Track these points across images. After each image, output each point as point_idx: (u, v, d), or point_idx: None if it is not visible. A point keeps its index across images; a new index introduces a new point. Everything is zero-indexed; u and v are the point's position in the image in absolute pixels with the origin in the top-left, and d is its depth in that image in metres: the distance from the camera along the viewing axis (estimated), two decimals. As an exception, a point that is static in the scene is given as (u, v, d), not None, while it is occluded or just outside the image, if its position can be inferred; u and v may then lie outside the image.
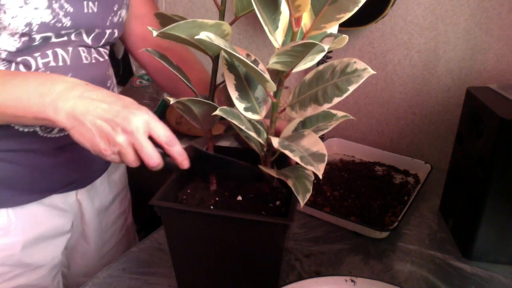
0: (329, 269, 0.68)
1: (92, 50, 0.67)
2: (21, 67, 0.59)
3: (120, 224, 0.87)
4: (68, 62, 0.63)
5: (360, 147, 1.04)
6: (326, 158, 0.44)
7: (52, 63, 0.61)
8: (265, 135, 0.54)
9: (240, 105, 0.51)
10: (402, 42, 1.02)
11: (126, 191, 0.90)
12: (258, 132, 0.53)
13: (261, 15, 0.45)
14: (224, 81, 0.53)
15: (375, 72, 0.45)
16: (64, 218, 0.74)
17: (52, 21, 0.57)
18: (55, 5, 0.57)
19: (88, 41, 0.66)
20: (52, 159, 0.66)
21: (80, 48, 0.65)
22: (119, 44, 1.52)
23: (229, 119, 0.47)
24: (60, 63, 0.62)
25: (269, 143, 0.53)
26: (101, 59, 0.70)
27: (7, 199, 0.65)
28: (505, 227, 0.67)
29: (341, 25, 0.46)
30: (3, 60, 0.58)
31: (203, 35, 0.41)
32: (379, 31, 1.04)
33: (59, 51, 0.62)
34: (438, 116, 1.04)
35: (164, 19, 0.55)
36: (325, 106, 0.47)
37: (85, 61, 0.66)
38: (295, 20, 0.44)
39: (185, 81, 0.54)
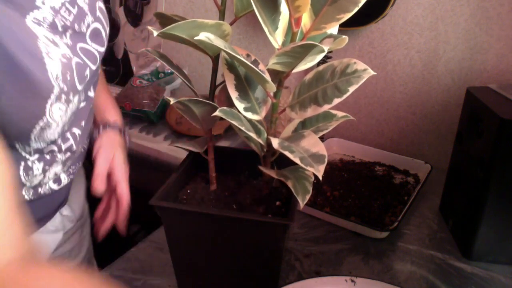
0: (329, 269, 0.68)
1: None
2: (47, 156, 0.58)
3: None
4: (81, 133, 0.64)
5: (360, 147, 1.04)
6: (326, 159, 0.44)
7: (74, 147, 0.62)
8: (265, 135, 0.54)
9: (240, 105, 0.51)
10: (402, 42, 1.02)
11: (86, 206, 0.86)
12: (258, 132, 0.53)
13: (260, 16, 0.45)
14: (224, 81, 0.53)
15: (375, 73, 0.45)
16: (55, 239, 0.72)
17: (77, 107, 0.58)
18: (82, 95, 0.58)
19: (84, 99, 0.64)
20: (59, 192, 0.67)
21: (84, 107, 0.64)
22: (119, 44, 1.52)
23: (229, 120, 0.47)
24: (77, 144, 0.63)
25: (269, 144, 0.53)
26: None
27: None
28: (505, 227, 0.67)
29: (341, 25, 0.46)
30: (28, 156, 0.56)
31: (203, 36, 0.41)
32: (379, 31, 1.04)
33: (75, 130, 0.62)
34: (438, 116, 1.04)
35: (164, 19, 0.55)
36: (325, 107, 0.47)
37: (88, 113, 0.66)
38: (295, 21, 0.44)
39: (185, 81, 0.54)
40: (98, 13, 0.60)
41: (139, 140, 1.17)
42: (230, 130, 1.12)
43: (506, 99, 0.68)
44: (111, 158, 0.71)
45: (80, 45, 0.56)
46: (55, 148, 0.59)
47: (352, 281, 0.57)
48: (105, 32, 0.62)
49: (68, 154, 0.62)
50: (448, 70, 0.99)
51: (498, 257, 0.70)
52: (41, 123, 0.51)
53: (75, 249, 0.81)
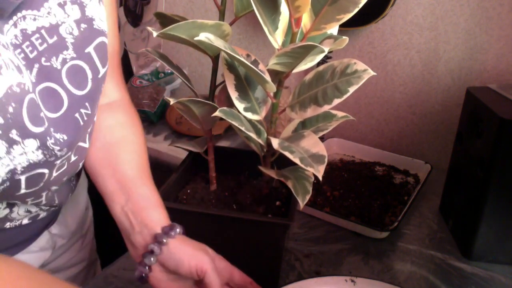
0: (329, 269, 0.68)
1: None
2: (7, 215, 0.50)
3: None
4: (62, 189, 0.56)
5: (360, 147, 1.04)
6: (326, 160, 0.44)
7: (43, 202, 0.54)
8: (265, 135, 0.54)
9: (240, 105, 0.51)
10: (402, 42, 1.02)
11: (88, 214, 0.80)
12: (258, 132, 0.53)
13: (260, 16, 0.45)
14: (224, 81, 0.53)
15: (375, 74, 0.45)
16: (43, 256, 0.67)
17: (44, 159, 0.47)
18: (50, 142, 0.46)
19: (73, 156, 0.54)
20: (21, 229, 0.59)
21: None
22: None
23: (229, 120, 0.47)
24: (55, 198, 0.56)
25: (269, 144, 0.53)
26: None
27: None
28: (505, 227, 0.67)
29: (341, 25, 0.46)
30: None
31: (203, 36, 0.41)
32: (379, 31, 1.04)
33: (53, 188, 0.53)
34: (438, 116, 1.04)
35: (164, 19, 0.55)
36: (325, 107, 0.47)
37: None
38: (295, 21, 0.44)
39: (185, 81, 0.54)
40: (90, 50, 0.49)
41: None
42: (230, 130, 1.12)
43: (506, 99, 0.68)
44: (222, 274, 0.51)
45: (45, 84, 0.46)
46: (20, 203, 0.51)
47: (352, 281, 0.57)
48: (93, 73, 0.50)
49: (34, 205, 0.54)
50: (448, 70, 0.99)
51: (498, 257, 0.70)
52: None
53: (77, 256, 0.77)
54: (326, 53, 0.43)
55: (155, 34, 0.44)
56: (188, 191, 0.62)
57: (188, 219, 0.55)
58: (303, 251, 0.71)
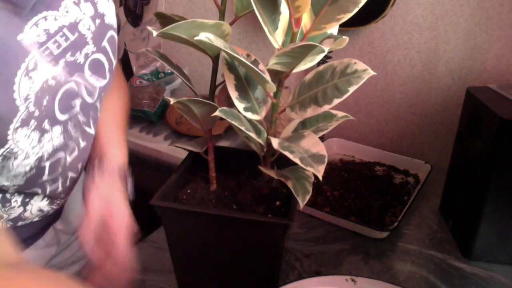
0: (329, 269, 0.68)
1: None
2: (29, 193, 0.53)
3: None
4: (78, 176, 0.59)
5: (360, 147, 1.04)
6: (326, 160, 0.44)
7: (60, 189, 0.56)
8: (265, 135, 0.54)
9: (240, 105, 0.51)
10: (402, 42, 1.02)
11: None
12: (258, 132, 0.53)
13: (260, 16, 0.45)
14: (224, 81, 0.53)
15: (375, 73, 0.45)
16: (49, 253, 0.69)
17: (64, 143, 0.51)
18: (70, 125, 0.50)
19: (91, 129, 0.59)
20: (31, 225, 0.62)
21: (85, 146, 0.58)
22: (119, 44, 1.52)
23: (229, 120, 0.47)
24: (68, 184, 0.58)
25: (269, 144, 0.53)
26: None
27: None
28: (505, 227, 0.67)
29: (341, 25, 0.46)
30: (7, 190, 0.50)
31: (203, 36, 0.41)
32: (379, 31, 1.04)
33: (70, 174, 0.56)
34: (438, 116, 1.04)
35: (164, 19, 0.55)
36: (325, 107, 0.47)
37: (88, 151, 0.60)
38: (295, 21, 0.44)
39: (185, 81, 0.54)
40: (105, 44, 0.54)
41: (139, 140, 1.17)
42: (230, 130, 1.12)
43: (506, 99, 0.68)
44: (105, 207, 0.57)
45: (77, 74, 0.51)
46: (38, 190, 0.53)
47: (353, 280, 0.57)
48: (109, 65, 0.56)
49: (53, 195, 0.57)
50: (448, 70, 0.99)
51: (498, 257, 0.70)
52: (1, 150, 0.43)
53: (77, 254, 0.78)
54: (326, 53, 0.43)
55: (155, 33, 0.44)
56: (188, 191, 0.62)
57: (188, 219, 0.55)
58: (303, 251, 0.71)
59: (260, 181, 0.64)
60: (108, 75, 0.56)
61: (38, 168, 0.49)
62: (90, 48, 0.51)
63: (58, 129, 0.49)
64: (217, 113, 0.47)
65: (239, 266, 0.57)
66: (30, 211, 0.56)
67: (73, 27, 0.48)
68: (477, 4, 0.91)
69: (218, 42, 0.42)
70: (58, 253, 0.73)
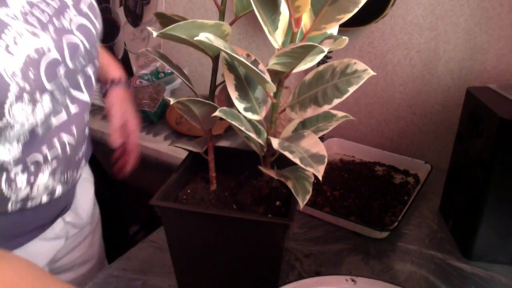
0: (329, 269, 0.68)
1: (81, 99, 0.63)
2: (32, 167, 0.56)
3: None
4: (75, 142, 0.61)
5: (360, 147, 1.04)
6: (326, 160, 0.44)
7: (61, 155, 0.59)
8: (265, 135, 0.54)
9: (240, 105, 0.51)
10: (402, 42, 1.02)
11: (96, 211, 0.86)
12: (258, 132, 0.53)
13: (260, 16, 0.45)
14: (224, 81, 0.53)
15: (375, 73, 0.45)
16: (56, 246, 0.72)
17: (52, 108, 0.54)
18: (56, 93, 0.53)
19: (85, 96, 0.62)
20: (53, 202, 0.65)
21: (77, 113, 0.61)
22: (119, 44, 1.52)
23: (229, 120, 0.47)
24: (69, 151, 0.61)
25: (269, 144, 0.53)
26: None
27: (8, 246, 0.62)
28: (505, 227, 0.67)
29: (341, 25, 0.46)
30: (10, 167, 0.53)
31: (203, 36, 0.41)
32: (379, 31, 1.04)
33: (65, 137, 0.59)
34: (438, 116, 1.04)
35: (164, 19, 0.55)
36: (325, 107, 0.47)
37: (85, 120, 0.64)
38: (295, 21, 0.44)
39: (185, 81, 0.54)
40: (83, 7, 0.58)
41: (139, 140, 1.17)
42: (230, 130, 1.12)
43: (506, 99, 0.68)
44: (124, 113, 0.77)
45: (66, 36, 0.53)
46: (39, 157, 0.56)
47: (353, 280, 0.57)
48: (94, 30, 0.60)
49: (55, 163, 0.59)
50: (448, 70, 0.99)
51: (498, 257, 0.70)
52: (0, 124, 0.47)
53: (88, 253, 0.82)
54: (326, 53, 0.43)
55: (155, 34, 0.44)
56: (188, 191, 0.62)
57: (188, 219, 0.55)
58: (303, 251, 0.71)
59: (260, 181, 0.64)
60: (94, 40, 0.60)
61: (32, 133, 0.53)
62: (72, 12, 0.56)
63: (47, 97, 0.51)
64: (217, 113, 0.47)
65: (239, 266, 0.57)
66: (37, 189, 0.59)
67: None
68: (477, 4, 0.91)
69: (218, 43, 0.42)
70: (66, 253, 0.76)
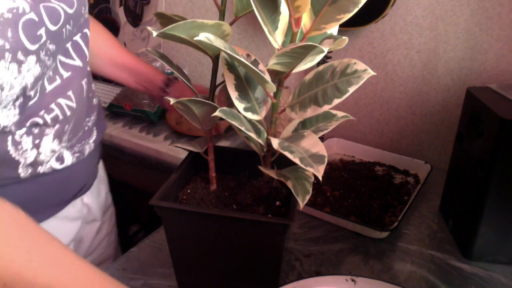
0: (329, 269, 0.68)
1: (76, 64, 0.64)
2: (35, 130, 0.57)
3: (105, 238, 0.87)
4: (75, 105, 0.62)
5: (360, 147, 1.04)
6: (326, 160, 0.44)
7: (61, 117, 0.60)
8: (265, 135, 0.54)
9: (240, 105, 0.51)
10: (402, 42, 1.02)
11: (112, 209, 0.89)
12: (258, 132, 0.53)
13: (260, 16, 0.45)
14: (224, 81, 0.53)
15: (375, 73, 0.45)
16: (74, 227, 0.74)
17: (41, 72, 0.55)
18: (42, 54, 0.53)
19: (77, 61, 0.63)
20: (67, 173, 0.67)
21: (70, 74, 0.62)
22: (119, 44, 1.52)
23: (229, 120, 0.47)
24: (68, 113, 0.61)
25: (269, 144, 0.53)
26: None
27: None
28: (505, 227, 0.67)
29: (341, 25, 0.46)
30: (14, 130, 0.55)
31: (203, 36, 0.41)
32: (379, 31, 1.04)
33: (62, 101, 0.60)
34: (438, 116, 1.04)
35: (164, 19, 0.55)
36: (325, 107, 0.47)
37: (84, 87, 0.65)
38: (294, 21, 0.44)
39: (185, 81, 0.54)
40: None
41: (139, 140, 1.17)
42: (230, 130, 1.12)
43: (506, 99, 0.68)
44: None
45: (43, 4, 0.53)
46: (39, 120, 0.57)
47: (353, 280, 0.57)
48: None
49: (58, 126, 0.60)
50: (448, 70, 0.99)
51: (498, 257, 0.70)
52: None
53: (104, 254, 0.85)
54: (326, 53, 0.43)
55: (155, 34, 0.44)
56: (188, 191, 0.62)
57: (188, 219, 0.55)
58: (303, 251, 0.71)
59: (260, 181, 0.64)
60: (75, 3, 0.59)
61: (25, 96, 0.54)
62: None
63: (32, 58, 0.52)
64: (217, 113, 0.47)
65: (239, 266, 0.57)
66: (44, 153, 0.60)
67: None
68: (477, 4, 0.91)
69: (218, 43, 0.42)
70: (85, 254, 0.79)
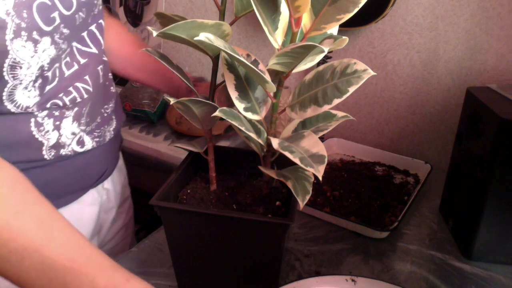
0: (329, 269, 0.68)
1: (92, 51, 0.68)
2: (56, 113, 0.61)
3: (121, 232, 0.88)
4: (91, 89, 0.66)
5: (360, 147, 1.04)
6: (326, 160, 0.44)
7: (79, 99, 0.64)
8: (265, 135, 0.54)
9: (240, 105, 0.51)
10: (402, 42, 1.02)
11: (130, 202, 0.91)
12: (258, 132, 0.53)
13: (260, 16, 0.45)
14: (224, 81, 0.53)
15: (375, 74, 0.45)
16: (93, 212, 0.75)
17: (56, 54, 0.58)
18: (56, 37, 0.57)
19: (91, 46, 0.66)
20: (88, 157, 0.70)
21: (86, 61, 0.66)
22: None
23: (229, 120, 0.47)
24: (85, 95, 0.65)
25: (269, 144, 0.53)
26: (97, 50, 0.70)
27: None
28: (505, 227, 0.67)
29: (341, 25, 0.46)
30: (36, 112, 0.59)
31: (203, 36, 0.41)
32: (379, 31, 1.04)
33: (79, 84, 0.64)
34: (438, 116, 1.04)
35: (164, 19, 0.55)
36: (325, 108, 0.47)
37: (100, 73, 0.69)
38: (295, 21, 0.44)
39: (185, 81, 0.54)
40: None
41: (139, 140, 1.17)
42: (230, 130, 1.12)
43: (506, 99, 0.68)
44: None
45: None
46: (59, 102, 0.61)
47: (353, 280, 0.57)
48: None
49: (76, 108, 0.64)
50: (448, 70, 0.99)
51: (498, 257, 0.70)
52: (7, 61, 0.52)
53: (120, 246, 0.86)
54: (326, 53, 0.43)
55: (155, 34, 0.44)
56: (188, 191, 0.62)
57: (188, 219, 0.55)
58: (303, 251, 0.71)
59: (260, 181, 0.64)
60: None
61: (43, 77, 0.57)
62: None
63: (47, 39, 0.55)
64: (217, 113, 0.47)
65: (239, 266, 0.57)
66: (65, 135, 0.64)
67: None
68: (477, 4, 0.91)
69: (218, 43, 0.42)
70: (101, 243, 0.81)
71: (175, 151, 1.09)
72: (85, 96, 0.65)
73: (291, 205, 0.54)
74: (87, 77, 0.65)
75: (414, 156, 0.99)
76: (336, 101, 0.46)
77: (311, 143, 0.47)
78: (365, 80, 0.44)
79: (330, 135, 1.07)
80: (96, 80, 0.67)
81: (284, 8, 0.47)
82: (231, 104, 0.52)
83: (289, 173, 0.51)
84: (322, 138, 1.07)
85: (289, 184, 0.48)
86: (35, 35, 0.53)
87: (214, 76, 0.56)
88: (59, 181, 0.66)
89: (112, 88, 0.75)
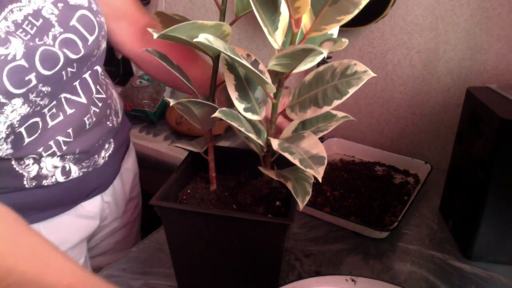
0: (329, 269, 0.68)
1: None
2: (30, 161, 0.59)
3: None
4: (73, 139, 0.62)
5: (360, 147, 1.05)
6: (326, 161, 0.44)
7: (58, 152, 0.61)
8: (265, 136, 0.54)
9: (239, 106, 0.51)
10: (402, 42, 1.02)
11: (138, 200, 0.89)
12: (258, 133, 0.53)
13: (260, 16, 0.45)
14: (224, 82, 0.53)
15: (375, 75, 0.45)
16: (90, 225, 0.74)
17: (32, 110, 0.55)
18: (32, 96, 0.53)
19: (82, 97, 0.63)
20: (75, 182, 0.67)
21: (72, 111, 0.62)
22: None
23: (229, 121, 0.47)
24: (64, 147, 0.62)
25: (269, 144, 0.53)
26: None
27: (39, 217, 0.65)
28: (505, 227, 0.68)
29: (341, 25, 0.46)
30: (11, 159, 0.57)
31: (202, 38, 0.41)
32: (379, 31, 1.04)
33: (60, 138, 0.60)
34: (438, 116, 1.04)
35: (164, 19, 0.55)
36: (325, 109, 0.47)
37: (84, 119, 0.64)
38: (295, 21, 0.44)
39: (185, 81, 0.54)
40: (74, 23, 0.57)
41: (139, 140, 1.17)
42: (230, 130, 1.12)
43: (506, 99, 0.68)
44: None
45: (43, 48, 0.53)
46: (36, 156, 0.58)
47: (353, 280, 0.57)
48: (82, 41, 0.59)
49: (55, 157, 0.61)
50: (448, 70, 0.99)
51: (498, 257, 0.70)
52: None
53: (123, 242, 0.85)
54: (325, 54, 0.43)
55: (155, 35, 0.44)
56: (188, 191, 0.62)
57: (188, 219, 0.55)
58: (303, 251, 0.72)
59: (260, 181, 0.64)
60: (82, 50, 0.59)
61: (15, 133, 0.54)
62: (56, 29, 0.55)
63: (18, 101, 0.52)
64: (216, 114, 0.47)
65: (239, 266, 0.57)
66: (46, 168, 0.61)
67: (37, 14, 0.53)
68: (477, 4, 0.91)
69: (218, 44, 0.42)
70: (103, 237, 0.79)
71: (175, 151, 1.09)
72: (64, 148, 0.61)
73: (291, 205, 0.54)
74: (70, 130, 0.61)
75: (414, 156, 0.99)
76: (336, 102, 0.46)
77: (311, 144, 0.47)
78: (365, 80, 0.44)
79: (330, 135, 1.07)
80: (79, 131, 0.63)
81: (284, 9, 0.47)
82: (231, 105, 0.52)
83: (289, 174, 0.51)
84: (322, 138, 1.07)
85: (289, 185, 0.48)
86: (1, 98, 0.50)
87: (214, 77, 0.56)
88: (41, 201, 0.64)
89: (109, 122, 0.70)
